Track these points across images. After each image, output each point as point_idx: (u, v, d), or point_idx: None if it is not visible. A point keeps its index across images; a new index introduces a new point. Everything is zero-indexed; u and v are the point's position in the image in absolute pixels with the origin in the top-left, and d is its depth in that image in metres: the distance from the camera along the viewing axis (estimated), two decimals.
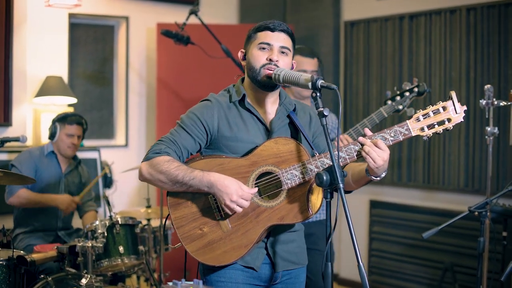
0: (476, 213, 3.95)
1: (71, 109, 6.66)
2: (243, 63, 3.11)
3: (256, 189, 2.91)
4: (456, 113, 2.83)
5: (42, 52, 6.59)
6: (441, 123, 2.84)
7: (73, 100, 6.59)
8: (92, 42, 7.39)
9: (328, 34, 7.26)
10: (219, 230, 2.94)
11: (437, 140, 6.31)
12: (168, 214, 3.00)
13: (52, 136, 5.35)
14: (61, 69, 6.71)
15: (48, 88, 6.39)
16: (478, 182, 6.00)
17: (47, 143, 5.43)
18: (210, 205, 2.95)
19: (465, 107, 2.85)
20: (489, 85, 4.34)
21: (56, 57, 6.71)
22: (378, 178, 2.87)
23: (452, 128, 2.85)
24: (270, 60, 2.96)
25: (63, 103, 6.62)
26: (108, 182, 6.61)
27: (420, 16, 6.44)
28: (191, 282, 2.60)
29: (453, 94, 2.83)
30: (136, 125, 7.44)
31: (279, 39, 3.00)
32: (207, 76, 6.85)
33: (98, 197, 6.39)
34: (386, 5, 6.76)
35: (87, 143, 7.00)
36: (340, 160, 2.86)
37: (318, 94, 2.73)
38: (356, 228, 7.02)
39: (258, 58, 2.98)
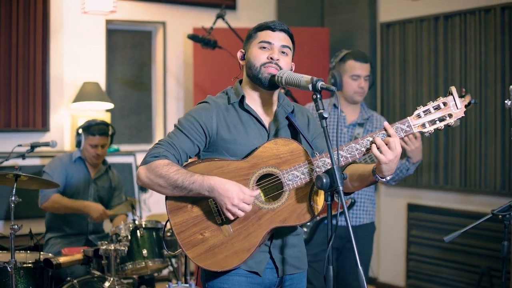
0: (500, 216, 3.85)
1: (108, 115, 6.75)
2: (242, 62, 3.09)
3: (258, 191, 2.87)
4: (457, 108, 2.77)
5: (79, 58, 6.71)
6: (442, 119, 2.78)
7: (110, 106, 6.68)
8: (129, 47, 7.48)
9: (365, 35, 7.20)
10: (221, 234, 2.89)
11: (473, 142, 6.20)
12: (168, 219, 2.96)
13: (78, 144, 5.43)
14: (99, 75, 6.82)
15: (85, 93, 6.50)
16: None
17: (76, 150, 5.51)
18: (211, 209, 2.90)
19: (465, 102, 2.80)
20: None
21: (93, 63, 6.82)
22: (383, 179, 2.81)
23: (453, 123, 2.79)
24: (271, 59, 2.94)
25: (101, 109, 6.71)
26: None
27: (455, 16, 6.33)
28: (187, 285, 2.62)
29: (453, 89, 2.78)
30: None
31: (280, 39, 2.98)
32: None
33: (135, 201, 6.45)
34: (421, 5, 6.67)
35: (123, 147, 7.08)
36: (342, 159, 2.82)
37: (318, 96, 2.71)
38: (394, 231, 6.95)
39: (258, 57, 2.96)
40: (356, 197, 4.59)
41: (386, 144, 2.71)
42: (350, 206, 4.57)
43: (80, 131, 5.43)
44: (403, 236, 6.91)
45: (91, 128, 5.40)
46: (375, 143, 2.73)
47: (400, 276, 6.94)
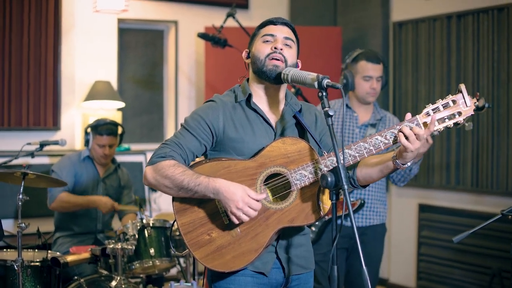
0: (510, 216, 3.82)
1: (119, 114, 6.74)
2: (247, 61, 3.09)
3: (264, 195, 2.84)
4: (467, 106, 2.73)
5: (91, 57, 6.70)
6: (451, 117, 2.75)
7: (122, 105, 6.68)
8: (141, 46, 7.48)
9: (377, 34, 7.16)
10: (228, 235, 2.87)
11: (485, 143, 6.14)
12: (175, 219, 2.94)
13: (86, 143, 5.43)
14: (110, 74, 6.81)
15: (96, 92, 6.49)
16: None
17: (84, 148, 5.51)
18: (218, 210, 2.88)
19: (475, 100, 2.75)
20: None
21: (105, 62, 6.81)
22: (405, 166, 2.80)
23: (462, 122, 2.75)
24: (275, 48, 2.93)
25: (112, 108, 6.71)
26: None
27: (467, 15, 6.28)
28: (189, 284, 2.60)
29: (462, 86, 2.74)
30: None
31: (282, 31, 2.99)
32: None
33: (143, 200, 6.45)
34: (434, 4, 6.63)
35: (134, 146, 7.07)
36: (350, 158, 2.80)
37: (324, 93, 2.68)
38: (405, 232, 6.92)
39: (262, 49, 2.96)
40: (365, 198, 4.56)
41: (415, 134, 2.70)
42: (360, 207, 4.54)
43: (89, 130, 5.43)
44: (414, 237, 6.87)
45: (99, 127, 5.38)
46: (402, 132, 2.72)
47: (411, 277, 6.90)
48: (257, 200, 2.78)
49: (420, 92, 6.79)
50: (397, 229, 6.98)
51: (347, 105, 4.62)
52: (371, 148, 2.78)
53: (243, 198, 2.73)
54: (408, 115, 2.79)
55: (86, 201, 5.27)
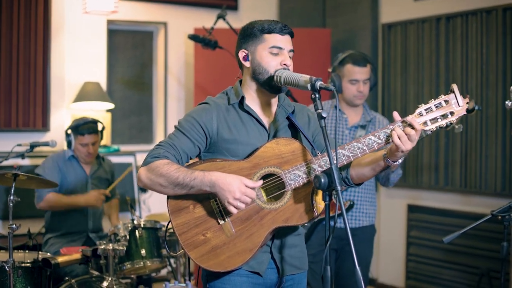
0: (499, 217, 3.84)
1: (108, 115, 6.74)
2: (247, 64, 3.04)
3: (261, 181, 2.86)
4: (459, 106, 2.76)
5: (80, 58, 6.69)
6: (444, 116, 2.77)
7: (111, 106, 6.67)
8: (131, 48, 7.47)
9: (366, 36, 7.19)
10: (223, 235, 2.89)
11: (474, 143, 6.18)
12: (170, 220, 2.95)
13: (69, 144, 5.41)
14: (99, 75, 6.79)
15: (86, 93, 6.48)
16: None
17: (67, 149, 5.49)
18: (213, 210, 2.90)
19: (467, 100, 2.78)
20: None
21: (94, 63, 6.79)
22: (396, 163, 2.83)
23: (455, 121, 2.77)
24: (285, 65, 2.93)
25: (101, 109, 6.70)
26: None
27: (456, 17, 6.32)
28: (183, 284, 2.61)
29: (455, 86, 2.76)
30: None
31: (288, 43, 2.99)
32: None
33: (133, 201, 6.45)
34: (423, 6, 6.66)
35: (123, 148, 7.06)
36: (343, 158, 2.82)
37: (317, 95, 2.70)
38: (394, 232, 6.94)
39: (271, 63, 2.94)
40: (355, 199, 4.57)
41: (407, 135, 2.73)
42: (349, 208, 4.54)
43: (69, 131, 5.41)
44: (403, 237, 6.90)
45: (80, 127, 5.35)
46: (395, 132, 2.73)
47: (400, 277, 6.93)
48: (254, 188, 2.81)
49: (409, 93, 6.81)
50: (386, 230, 7.01)
51: (336, 106, 4.62)
52: (365, 148, 2.81)
53: (239, 188, 2.76)
54: (395, 113, 2.81)
55: (75, 202, 5.26)
